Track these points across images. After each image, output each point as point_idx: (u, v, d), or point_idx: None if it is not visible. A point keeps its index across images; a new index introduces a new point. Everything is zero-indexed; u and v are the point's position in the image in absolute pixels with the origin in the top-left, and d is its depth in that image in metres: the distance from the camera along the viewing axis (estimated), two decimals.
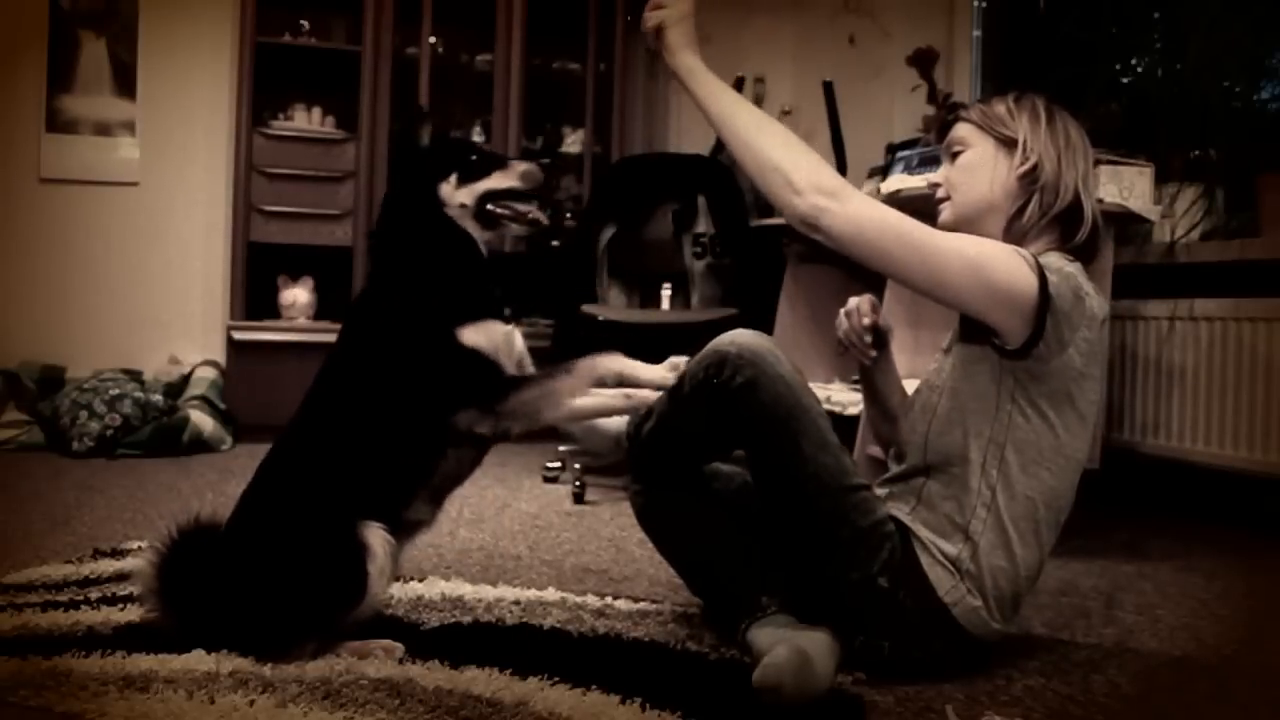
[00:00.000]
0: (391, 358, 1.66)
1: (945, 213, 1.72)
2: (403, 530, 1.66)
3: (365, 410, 1.65)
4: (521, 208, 1.77)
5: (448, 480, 1.72)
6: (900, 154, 3.34)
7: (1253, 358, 2.74)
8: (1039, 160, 1.63)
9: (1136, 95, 3.20)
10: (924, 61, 4.02)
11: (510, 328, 1.71)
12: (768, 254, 3.70)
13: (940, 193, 1.73)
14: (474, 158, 1.75)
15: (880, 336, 1.81)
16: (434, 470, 1.67)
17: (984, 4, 4.48)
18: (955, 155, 1.71)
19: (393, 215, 1.76)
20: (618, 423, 1.83)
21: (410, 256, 1.71)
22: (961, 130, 1.72)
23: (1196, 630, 1.94)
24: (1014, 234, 1.65)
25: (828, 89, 4.31)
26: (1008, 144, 1.66)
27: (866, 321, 1.78)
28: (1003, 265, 1.51)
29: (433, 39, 4.51)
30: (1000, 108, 1.69)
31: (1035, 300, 1.49)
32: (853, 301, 1.80)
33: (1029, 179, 1.64)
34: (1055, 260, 1.57)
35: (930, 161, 3.09)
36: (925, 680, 1.55)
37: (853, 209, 1.50)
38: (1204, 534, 2.86)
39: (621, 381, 1.62)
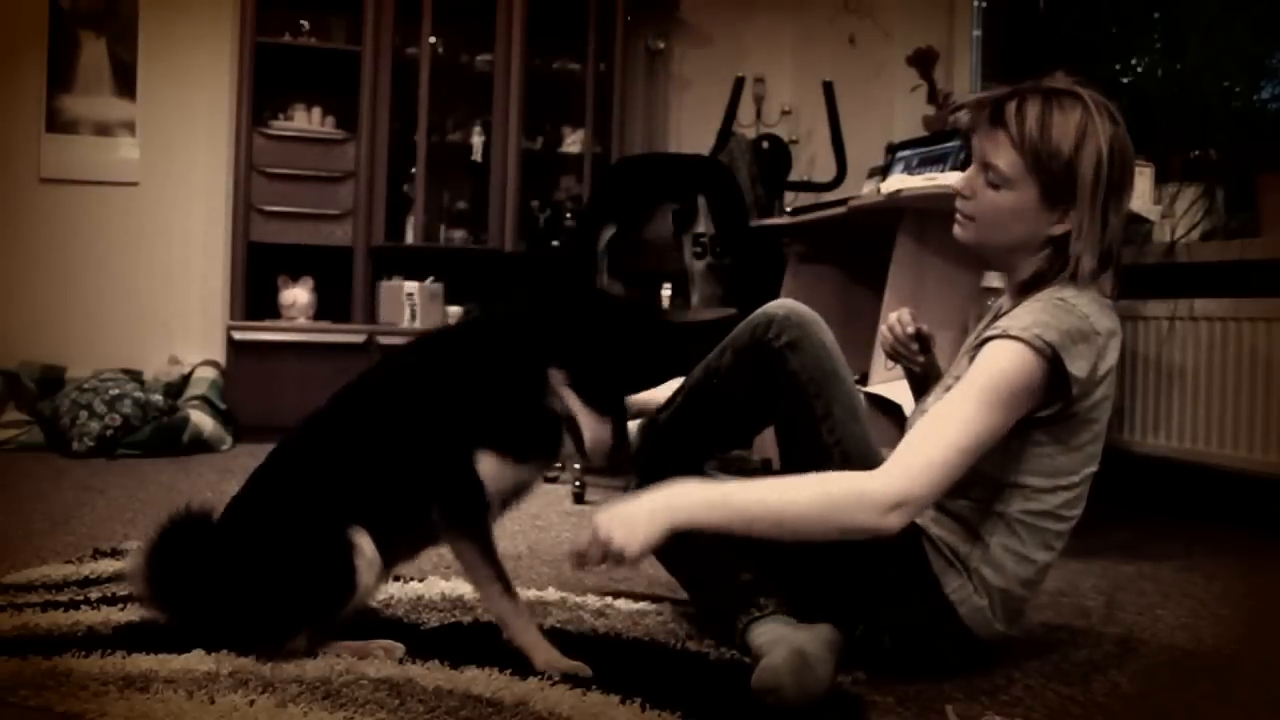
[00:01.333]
0: (408, 434, 1.63)
1: (965, 233, 1.62)
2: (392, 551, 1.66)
3: (367, 453, 1.64)
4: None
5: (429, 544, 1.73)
6: (900, 154, 3.34)
7: (1253, 358, 2.74)
8: (1082, 226, 1.50)
9: (1136, 95, 3.20)
10: (924, 61, 4.03)
11: (528, 475, 1.65)
12: (768, 254, 3.70)
13: (968, 209, 1.60)
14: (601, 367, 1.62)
15: (924, 342, 1.83)
16: (421, 539, 1.69)
17: (984, 4, 4.48)
18: (991, 184, 1.55)
19: (501, 340, 1.66)
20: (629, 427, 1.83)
21: (475, 371, 1.64)
22: (1006, 162, 1.52)
23: (1196, 630, 1.94)
24: (1032, 272, 1.58)
25: (828, 89, 4.32)
26: (1053, 195, 1.51)
27: (910, 330, 1.80)
28: (1008, 367, 1.45)
29: (433, 39, 4.51)
30: (1061, 152, 1.49)
31: (1048, 368, 1.46)
32: (893, 316, 1.82)
33: (1064, 237, 1.53)
34: (1060, 299, 1.50)
35: (930, 161, 3.09)
36: (925, 680, 1.55)
37: (922, 492, 1.41)
38: (1204, 534, 2.86)
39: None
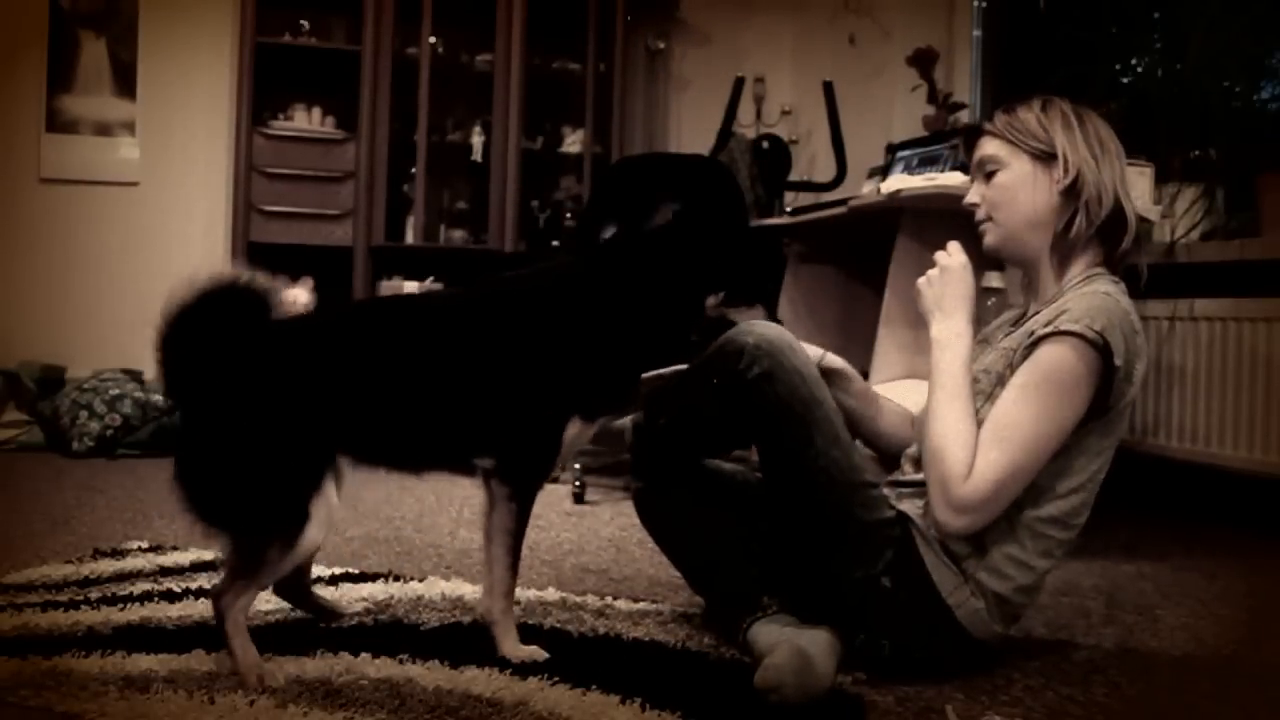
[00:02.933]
0: (495, 381, 1.59)
1: (989, 236, 1.69)
2: (415, 474, 1.67)
3: (449, 371, 1.60)
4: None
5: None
6: (900, 154, 3.34)
7: (1253, 358, 2.74)
8: (1079, 172, 1.60)
9: (1136, 95, 3.20)
10: (924, 61, 4.03)
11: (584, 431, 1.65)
12: (768, 254, 3.69)
13: (980, 214, 1.69)
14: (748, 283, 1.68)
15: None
16: (455, 466, 1.68)
17: (984, 4, 4.48)
18: (990, 175, 1.67)
19: (649, 272, 1.65)
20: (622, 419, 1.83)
21: (620, 315, 1.62)
22: (991, 147, 1.67)
23: (1196, 630, 1.94)
24: (1061, 250, 1.64)
25: (828, 89, 4.31)
26: (1043, 158, 1.62)
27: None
28: (1070, 373, 1.50)
29: (433, 39, 4.51)
30: (1029, 118, 1.64)
31: (1100, 360, 1.50)
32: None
33: (1071, 192, 1.61)
34: (1106, 292, 1.56)
35: (930, 161, 3.10)
36: (925, 680, 1.55)
37: (987, 508, 1.52)
38: (1204, 534, 2.86)
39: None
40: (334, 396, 1.56)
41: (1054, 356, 1.51)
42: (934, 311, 1.64)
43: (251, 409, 1.53)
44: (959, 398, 1.55)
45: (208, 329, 1.53)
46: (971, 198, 1.71)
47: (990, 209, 1.67)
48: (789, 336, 1.57)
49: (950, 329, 1.61)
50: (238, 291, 1.56)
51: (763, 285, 1.68)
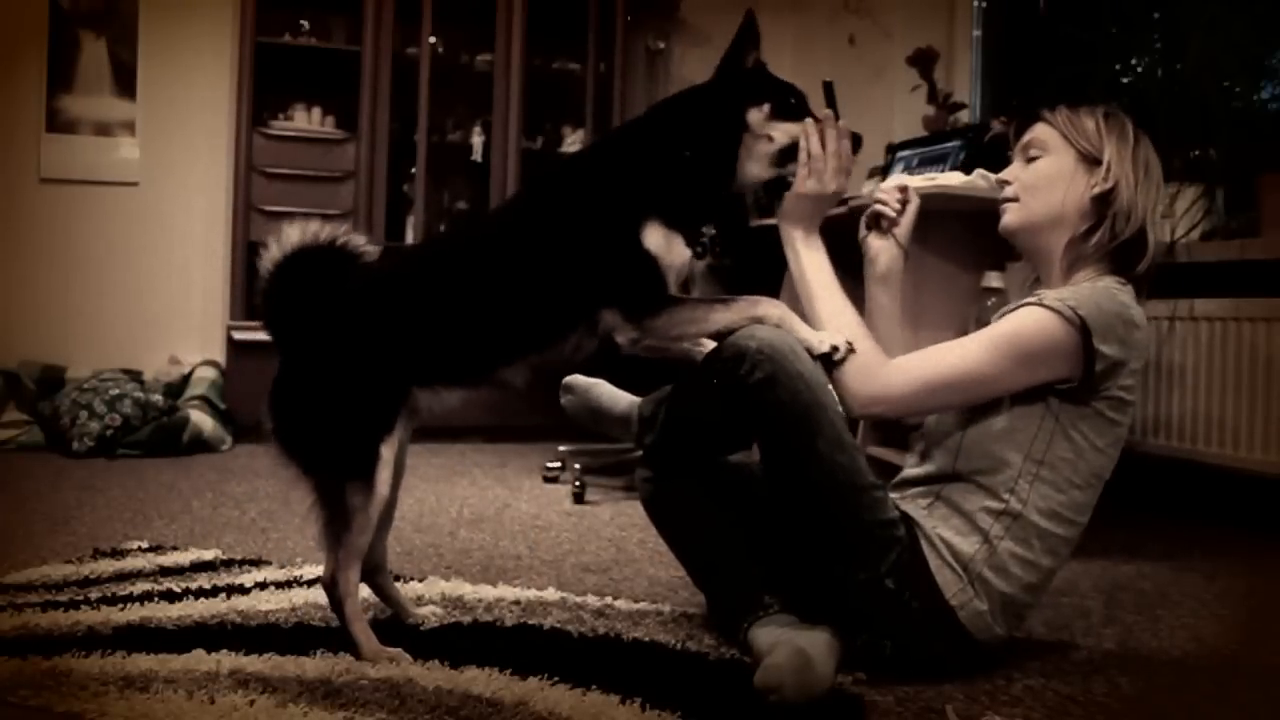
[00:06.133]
0: (569, 222, 1.61)
1: (1010, 215, 1.69)
2: (486, 385, 1.67)
3: (519, 252, 1.63)
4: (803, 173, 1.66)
5: (551, 361, 1.67)
6: (900, 154, 3.34)
7: (1253, 358, 2.74)
8: (1118, 184, 1.60)
9: (1136, 95, 3.20)
10: (924, 61, 4.03)
11: (692, 259, 1.64)
12: (768, 254, 3.69)
13: (1010, 191, 1.69)
14: (793, 100, 1.67)
15: (904, 194, 1.82)
16: (548, 346, 1.64)
17: (984, 4, 4.48)
18: (1031, 159, 1.68)
19: (682, 110, 1.69)
20: (626, 403, 1.82)
21: (667, 139, 1.64)
22: (1044, 133, 1.68)
23: (1196, 630, 1.94)
24: (1073, 254, 1.64)
25: (828, 89, 4.31)
26: (1089, 160, 1.63)
27: (898, 187, 1.83)
28: (1033, 330, 1.53)
29: (433, 39, 4.51)
30: (1089, 122, 1.65)
31: (1078, 338, 1.51)
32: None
33: (1104, 201, 1.61)
34: (1106, 286, 1.57)
35: (930, 161, 3.09)
36: (925, 680, 1.55)
37: (897, 396, 1.58)
38: (1204, 534, 2.86)
39: (779, 327, 1.58)
40: (415, 332, 1.63)
41: (1021, 317, 1.55)
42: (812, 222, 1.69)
43: (324, 354, 1.65)
44: (837, 292, 1.64)
45: (299, 279, 1.67)
46: (1005, 175, 1.71)
47: (1021, 190, 1.68)
48: (791, 340, 1.55)
49: (815, 243, 1.69)
50: (326, 246, 1.70)
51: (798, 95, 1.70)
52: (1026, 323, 1.54)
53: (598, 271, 1.59)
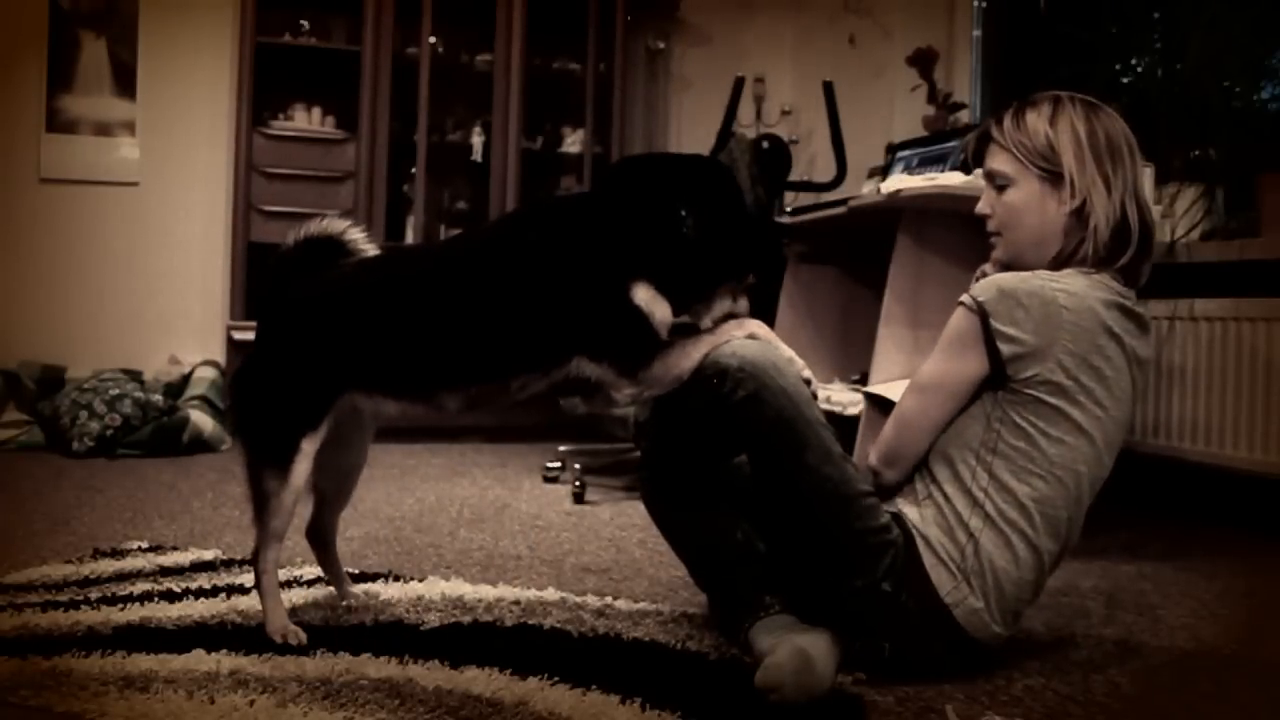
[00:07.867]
0: (547, 269, 1.59)
1: (998, 251, 1.71)
2: (423, 403, 1.67)
3: (483, 283, 1.62)
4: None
5: (494, 397, 1.66)
6: (900, 154, 3.34)
7: (1253, 358, 2.74)
8: (1087, 196, 1.60)
9: (1136, 95, 3.20)
10: (924, 61, 4.03)
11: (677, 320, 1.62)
12: (768, 254, 3.69)
13: (991, 226, 1.70)
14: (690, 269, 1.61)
15: None
16: (493, 382, 1.64)
17: (984, 4, 4.48)
18: (1000, 188, 1.67)
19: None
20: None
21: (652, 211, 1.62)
22: (1000, 161, 1.67)
23: (1196, 630, 1.94)
24: (1060, 260, 1.63)
25: (828, 89, 4.31)
26: (1053, 177, 1.62)
27: None
28: (950, 324, 1.60)
29: (433, 39, 4.51)
30: (1038, 131, 1.63)
31: (978, 323, 1.55)
32: None
33: (1080, 214, 1.61)
34: (1047, 275, 1.58)
35: (930, 161, 3.10)
36: (925, 680, 1.55)
37: (890, 437, 1.66)
38: (1204, 534, 2.86)
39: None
40: (358, 337, 1.67)
41: (949, 322, 1.61)
42: None
43: (275, 346, 1.73)
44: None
45: (294, 269, 1.75)
46: (983, 208, 1.72)
47: (1000, 225, 1.69)
48: (772, 354, 1.55)
49: None
50: (330, 240, 1.77)
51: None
52: (951, 319, 1.61)
53: (581, 325, 1.58)
